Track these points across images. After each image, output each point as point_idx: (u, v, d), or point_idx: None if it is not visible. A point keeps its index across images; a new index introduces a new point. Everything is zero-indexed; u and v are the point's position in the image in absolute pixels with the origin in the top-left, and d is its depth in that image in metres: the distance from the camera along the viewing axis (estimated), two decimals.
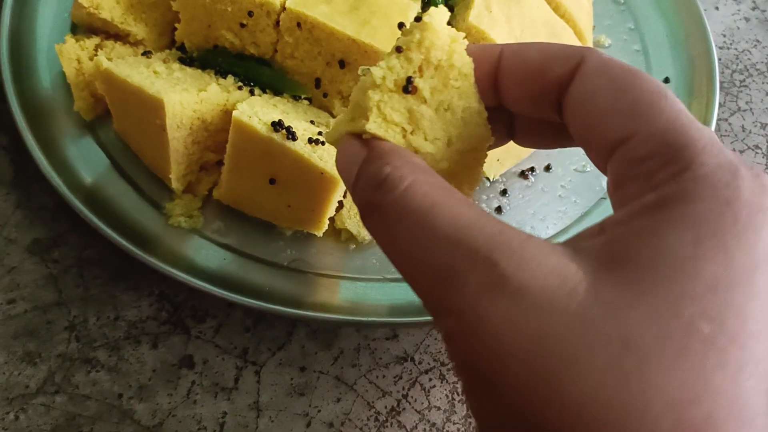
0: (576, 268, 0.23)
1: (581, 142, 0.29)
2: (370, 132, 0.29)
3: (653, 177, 0.24)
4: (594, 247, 0.24)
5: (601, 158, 0.27)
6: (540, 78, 0.29)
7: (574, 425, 0.21)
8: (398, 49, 0.29)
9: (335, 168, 0.46)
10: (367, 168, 0.27)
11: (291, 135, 0.47)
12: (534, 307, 0.22)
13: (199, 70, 0.54)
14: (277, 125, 0.47)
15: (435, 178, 0.26)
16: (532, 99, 0.30)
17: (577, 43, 0.61)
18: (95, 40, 0.56)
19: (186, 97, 0.49)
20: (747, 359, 0.21)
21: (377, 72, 0.29)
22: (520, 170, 0.60)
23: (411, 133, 0.29)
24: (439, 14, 0.29)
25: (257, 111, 0.48)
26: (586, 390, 0.21)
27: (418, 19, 0.29)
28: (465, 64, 0.30)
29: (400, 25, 0.31)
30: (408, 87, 0.29)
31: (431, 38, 0.28)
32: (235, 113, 0.47)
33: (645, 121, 0.25)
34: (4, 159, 0.57)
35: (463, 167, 0.31)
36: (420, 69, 0.29)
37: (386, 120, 0.29)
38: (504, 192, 0.58)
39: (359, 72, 0.30)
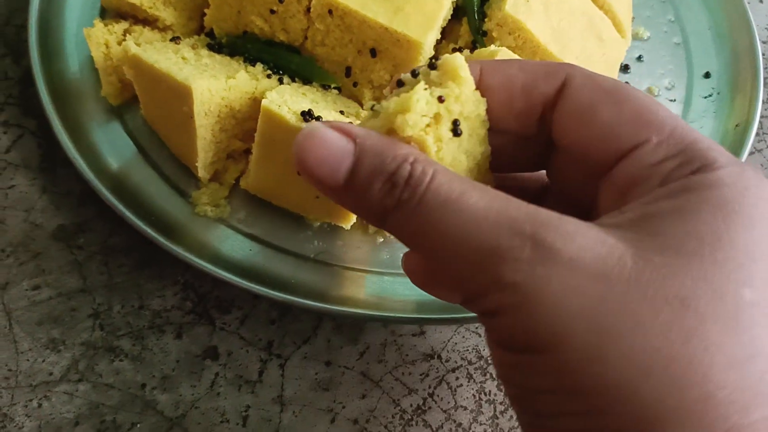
0: (615, 240, 0.24)
1: (578, 152, 0.29)
2: (414, 136, 0.28)
3: (673, 174, 0.26)
4: (623, 224, 0.25)
5: (600, 166, 0.28)
6: (525, 96, 0.29)
7: (642, 379, 0.22)
8: (440, 99, 0.28)
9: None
10: (380, 167, 0.27)
11: None
12: (590, 274, 0.23)
13: (228, 57, 0.53)
14: (306, 115, 0.46)
15: (443, 166, 0.27)
16: (516, 116, 0.30)
17: (616, 35, 0.59)
18: (124, 24, 0.56)
19: (214, 84, 0.48)
20: None
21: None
22: None
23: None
24: (460, 59, 0.29)
25: (287, 100, 0.47)
26: (653, 346, 0.23)
27: (432, 66, 0.29)
28: (483, 111, 0.30)
29: (431, 65, 0.30)
30: (457, 130, 0.29)
31: (466, 92, 0.29)
32: (264, 102, 0.46)
33: (653, 130, 0.27)
34: (31, 143, 0.56)
35: None
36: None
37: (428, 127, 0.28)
38: None
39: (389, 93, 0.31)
